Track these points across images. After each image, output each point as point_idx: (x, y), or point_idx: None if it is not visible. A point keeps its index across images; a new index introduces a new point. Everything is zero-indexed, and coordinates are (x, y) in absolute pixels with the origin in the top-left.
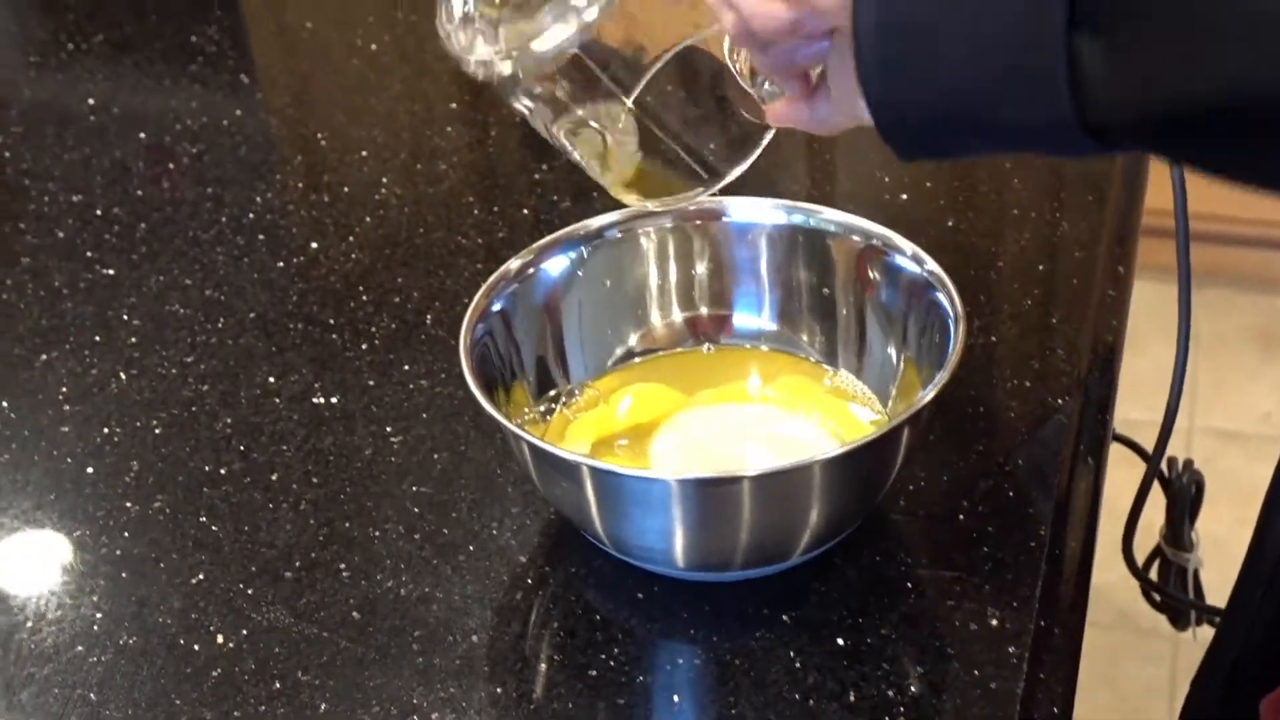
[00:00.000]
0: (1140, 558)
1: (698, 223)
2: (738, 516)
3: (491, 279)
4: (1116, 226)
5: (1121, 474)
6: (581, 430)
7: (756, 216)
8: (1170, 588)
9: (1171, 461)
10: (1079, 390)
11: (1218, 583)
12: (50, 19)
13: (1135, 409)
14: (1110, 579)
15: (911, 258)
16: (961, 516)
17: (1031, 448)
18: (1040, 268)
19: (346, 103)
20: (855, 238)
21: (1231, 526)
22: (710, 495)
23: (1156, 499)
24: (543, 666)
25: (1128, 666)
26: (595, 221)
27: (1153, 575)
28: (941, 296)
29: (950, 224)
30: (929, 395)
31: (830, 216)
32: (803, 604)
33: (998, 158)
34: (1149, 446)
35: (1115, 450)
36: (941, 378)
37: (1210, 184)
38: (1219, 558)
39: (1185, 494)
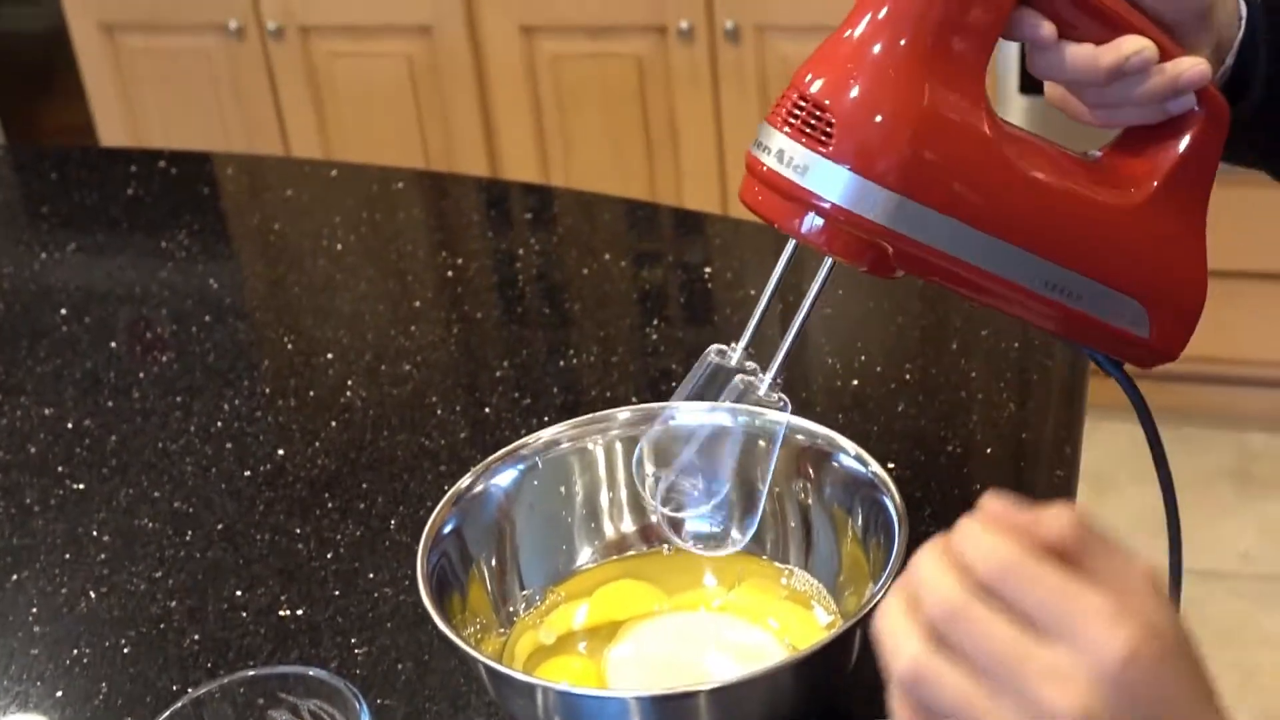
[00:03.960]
0: None
1: (644, 429)
2: None
3: (443, 501)
4: (1062, 405)
5: None
6: (542, 636)
7: (701, 419)
8: None
9: None
10: None
11: None
12: (24, 228)
13: None
14: None
15: (855, 458)
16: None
17: None
18: (989, 451)
19: (313, 304)
20: (799, 436)
21: (1216, 669)
22: (666, 710)
23: None
24: None
25: None
26: (544, 434)
27: None
28: (885, 499)
29: (901, 409)
30: (877, 598)
31: (774, 417)
32: None
33: (945, 342)
34: None
35: None
36: (885, 580)
37: None
38: None
39: None
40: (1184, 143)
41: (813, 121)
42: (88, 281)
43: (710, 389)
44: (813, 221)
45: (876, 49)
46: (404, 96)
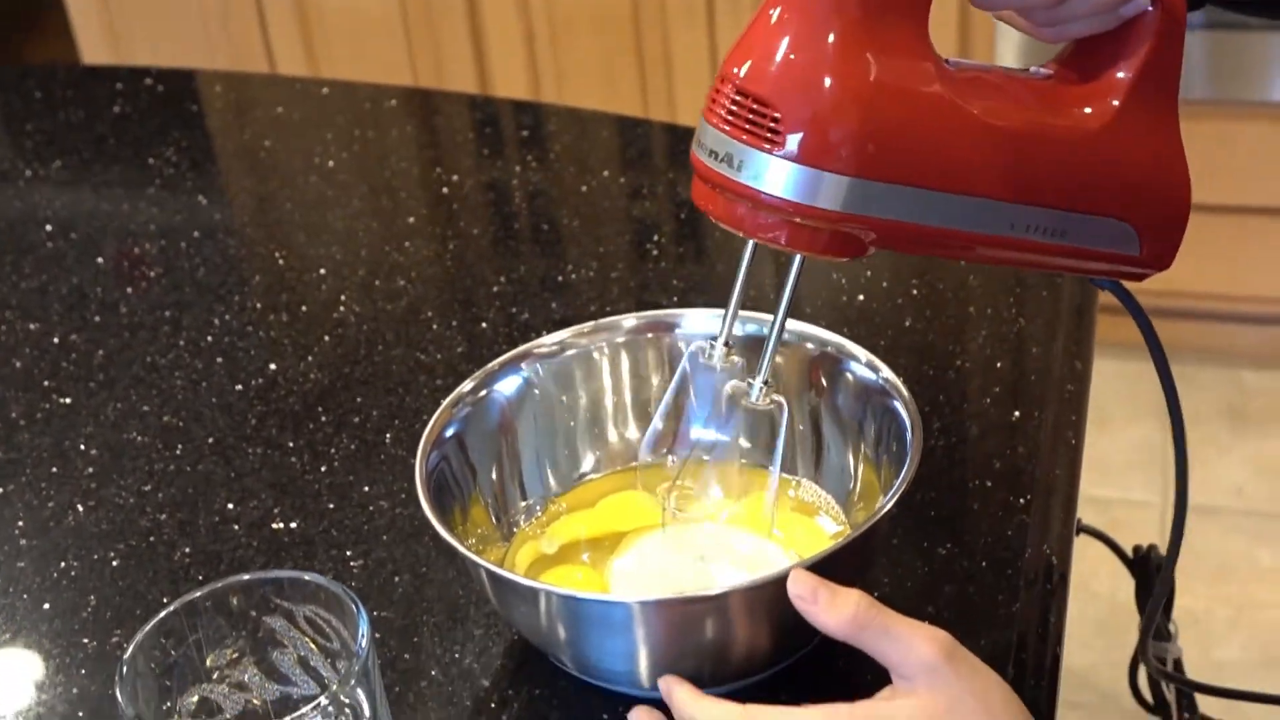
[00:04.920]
0: (1120, 636)
1: (650, 336)
2: (700, 636)
3: (445, 404)
4: (1072, 321)
5: (1097, 548)
6: (543, 546)
7: (707, 327)
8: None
9: (1136, 549)
10: (1041, 489)
11: (1197, 658)
12: (8, 146)
13: (1105, 488)
14: (1092, 659)
15: (866, 365)
16: (927, 623)
17: (995, 550)
18: (999, 365)
19: (305, 220)
20: (809, 345)
21: (1209, 603)
22: (671, 616)
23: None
24: None
25: None
26: (547, 339)
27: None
28: (897, 404)
29: (908, 324)
30: (886, 507)
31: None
32: None
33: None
34: (1119, 524)
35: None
36: (899, 488)
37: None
38: (1197, 634)
39: (1152, 580)
40: (1143, 46)
41: (754, 119)
42: (73, 199)
43: (697, 390)
44: (770, 221)
45: (811, 27)
46: (394, 27)
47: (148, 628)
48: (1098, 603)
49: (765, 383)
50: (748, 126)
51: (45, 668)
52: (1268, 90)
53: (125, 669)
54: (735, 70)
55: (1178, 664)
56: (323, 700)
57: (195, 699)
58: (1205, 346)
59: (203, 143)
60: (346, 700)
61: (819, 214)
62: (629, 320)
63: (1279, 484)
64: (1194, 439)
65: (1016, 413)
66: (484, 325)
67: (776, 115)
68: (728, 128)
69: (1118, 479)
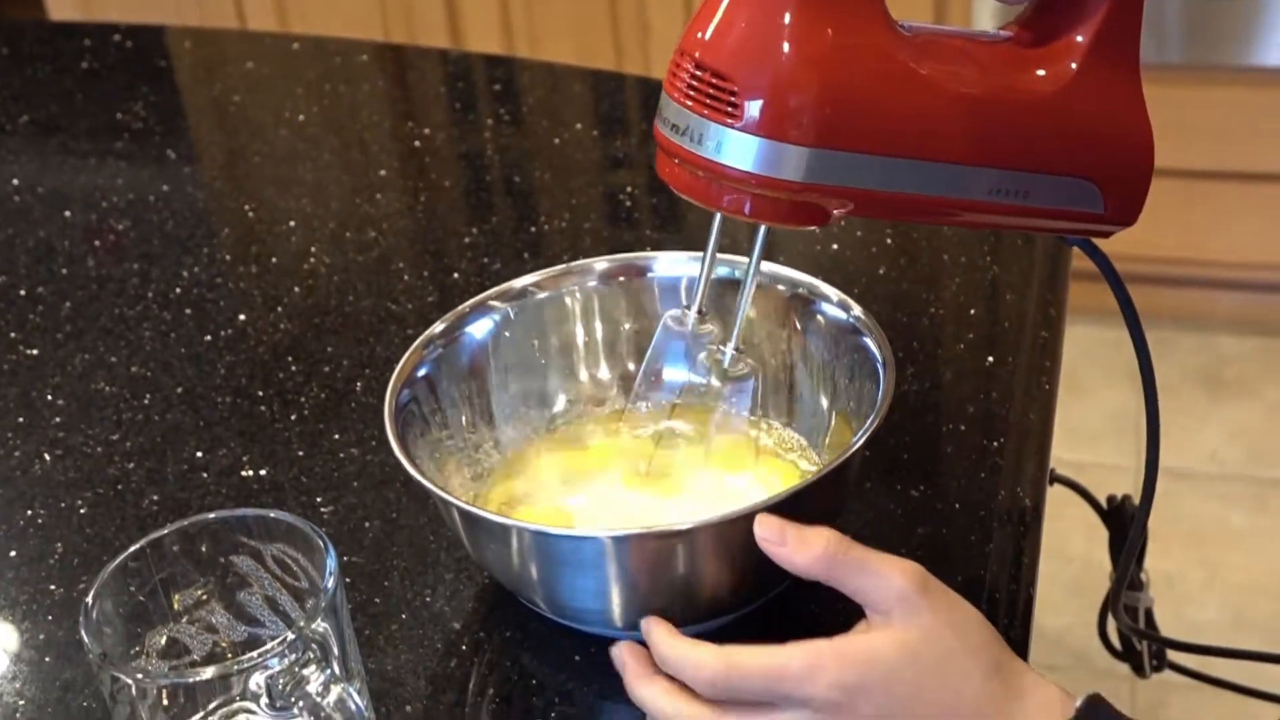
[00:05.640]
0: (1093, 598)
1: (622, 279)
2: (672, 572)
3: (416, 344)
4: (1047, 269)
5: (1070, 511)
6: (515, 487)
7: (680, 270)
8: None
9: (1110, 499)
10: (1015, 432)
11: (1171, 619)
12: None
13: (1080, 452)
14: (1065, 621)
15: (838, 305)
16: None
17: (968, 492)
18: (972, 312)
19: (275, 174)
20: (780, 287)
21: (1183, 565)
22: (642, 550)
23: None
24: None
25: None
26: (519, 282)
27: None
28: (869, 342)
29: (882, 272)
30: (858, 443)
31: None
32: None
33: None
34: (1093, 487)
35: (1061, 490)
36: (871, 424)
37: (1146, 224)
38: (1171, 595)
39: (1126, 529)
40: (1101, 5)
41: (714, 92)
42: (41, 153)
43: (673, 357)
44: (733, 193)
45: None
46: None
47: (111, 566)
48: (1071, 566)
49: (738, 349)
50: (708, 100)
51: (12, 614)
52: (1244, 55)
53: (90, 605)
54: (694, 42)
55: (1149, 613)
56: (289, 635)
57: (163, 640)
58: (1182, 312)
59: (172, 98)
60: (314, 637)
61: (782, 185)
62: (600, 263)
63: (1253, 449)
64: (1170, 405)
65: (990, 358)
66: (455, 275)
67: (734, 89)
68: (689, 102)
69: (1092, 444)
